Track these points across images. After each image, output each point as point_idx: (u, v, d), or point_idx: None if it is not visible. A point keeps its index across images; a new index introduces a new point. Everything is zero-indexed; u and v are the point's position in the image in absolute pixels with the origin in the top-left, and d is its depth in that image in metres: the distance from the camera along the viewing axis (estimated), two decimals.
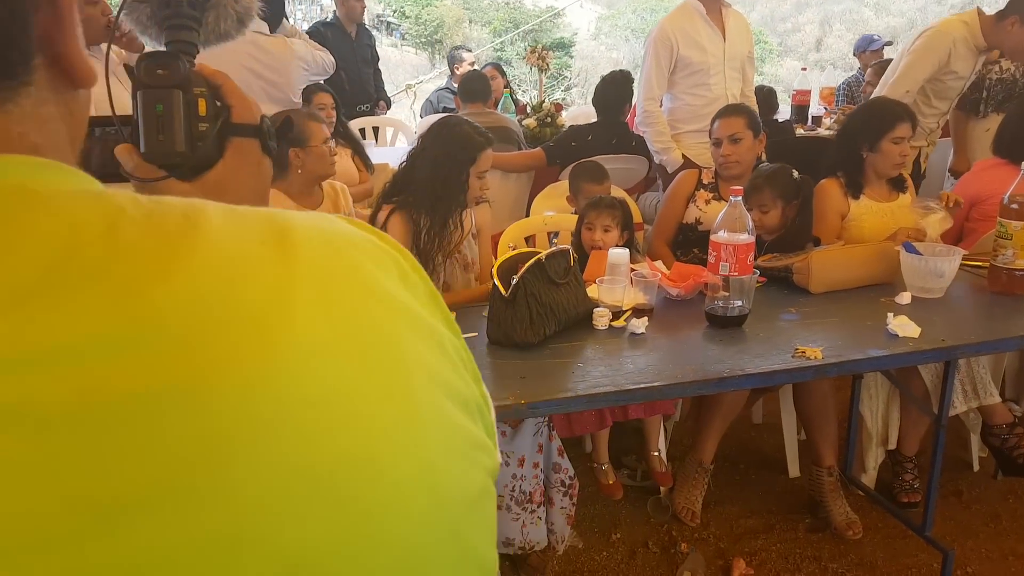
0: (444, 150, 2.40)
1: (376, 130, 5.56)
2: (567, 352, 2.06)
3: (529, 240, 3.11)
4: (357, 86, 5.68)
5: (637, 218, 3.41)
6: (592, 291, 2.32)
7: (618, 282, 2.30)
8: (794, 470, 3.00)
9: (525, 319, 2.06)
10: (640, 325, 2.16)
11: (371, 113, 5.74)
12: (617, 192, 3.30)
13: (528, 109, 4.81)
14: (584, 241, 2.71)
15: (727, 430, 2.79)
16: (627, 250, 2.42)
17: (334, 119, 3.91)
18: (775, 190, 2.77)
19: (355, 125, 5.47)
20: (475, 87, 4.02)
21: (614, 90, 4.07)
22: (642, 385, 1.89)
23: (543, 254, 2.12)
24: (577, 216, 2.82)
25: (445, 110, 5.47)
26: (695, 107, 3.71)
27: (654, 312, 2.30)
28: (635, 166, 4.04)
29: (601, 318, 2.20)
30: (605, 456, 2.75)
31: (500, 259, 2.14)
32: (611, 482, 2.72)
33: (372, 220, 2.45)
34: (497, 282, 2.07)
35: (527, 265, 2.08)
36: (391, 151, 4.85)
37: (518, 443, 2.33)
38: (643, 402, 2.48)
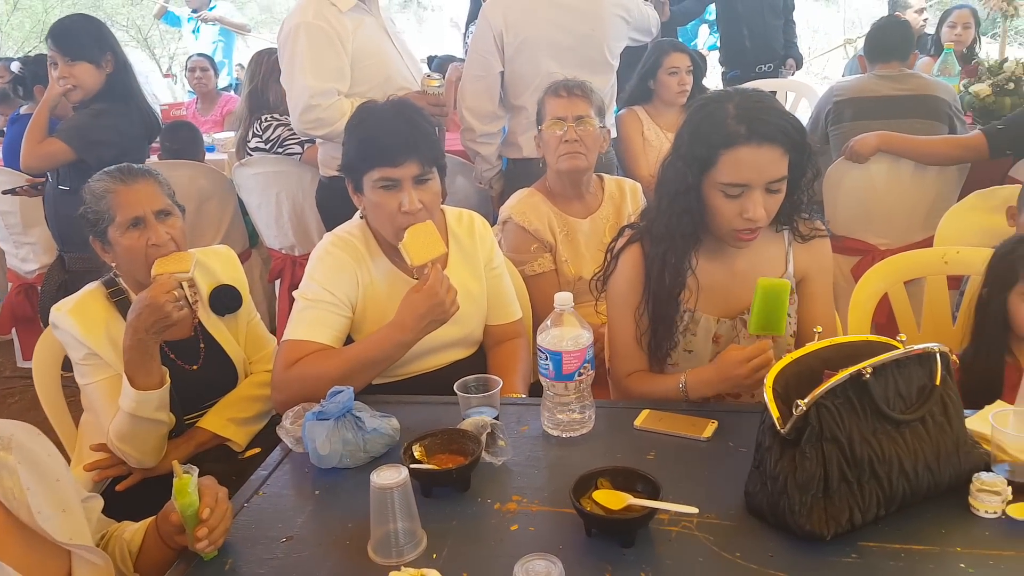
0: (678, 143, 1.46)
1: (773, 96, 4.49)
2: (887, 566, 1.04)
3: (911, 287, 1.92)
4: (760, 41, 4.71)
5: None
6: (975, 424, 1.22)
7: None
8: None
9: (814, 487, 1.08)
10: None
11: (774, 74, 4.70)
12: None
13: (982, 70, 3.39)
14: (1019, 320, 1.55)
15: None
16: None
17: (688, 87, 3.05)
18: None
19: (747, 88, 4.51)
20: (888, 40, 2.79)
21: None
22: None
23: (869, 364, 1.10)
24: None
25: None
26: None
27: None
28: None
29: (988, 495, 1.12)
30: None
31: (782, 362, 1.17)
32: None
33: (608, 251, 1.59)
34: (770, 401, 1.12)
35: (831, 381, 1.09)
36: None
37: None
38: None
